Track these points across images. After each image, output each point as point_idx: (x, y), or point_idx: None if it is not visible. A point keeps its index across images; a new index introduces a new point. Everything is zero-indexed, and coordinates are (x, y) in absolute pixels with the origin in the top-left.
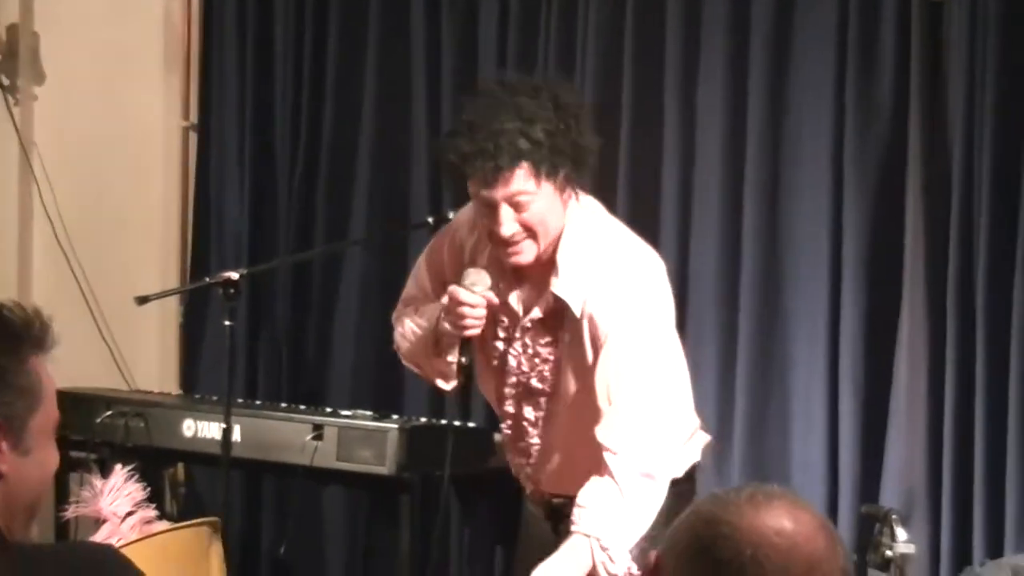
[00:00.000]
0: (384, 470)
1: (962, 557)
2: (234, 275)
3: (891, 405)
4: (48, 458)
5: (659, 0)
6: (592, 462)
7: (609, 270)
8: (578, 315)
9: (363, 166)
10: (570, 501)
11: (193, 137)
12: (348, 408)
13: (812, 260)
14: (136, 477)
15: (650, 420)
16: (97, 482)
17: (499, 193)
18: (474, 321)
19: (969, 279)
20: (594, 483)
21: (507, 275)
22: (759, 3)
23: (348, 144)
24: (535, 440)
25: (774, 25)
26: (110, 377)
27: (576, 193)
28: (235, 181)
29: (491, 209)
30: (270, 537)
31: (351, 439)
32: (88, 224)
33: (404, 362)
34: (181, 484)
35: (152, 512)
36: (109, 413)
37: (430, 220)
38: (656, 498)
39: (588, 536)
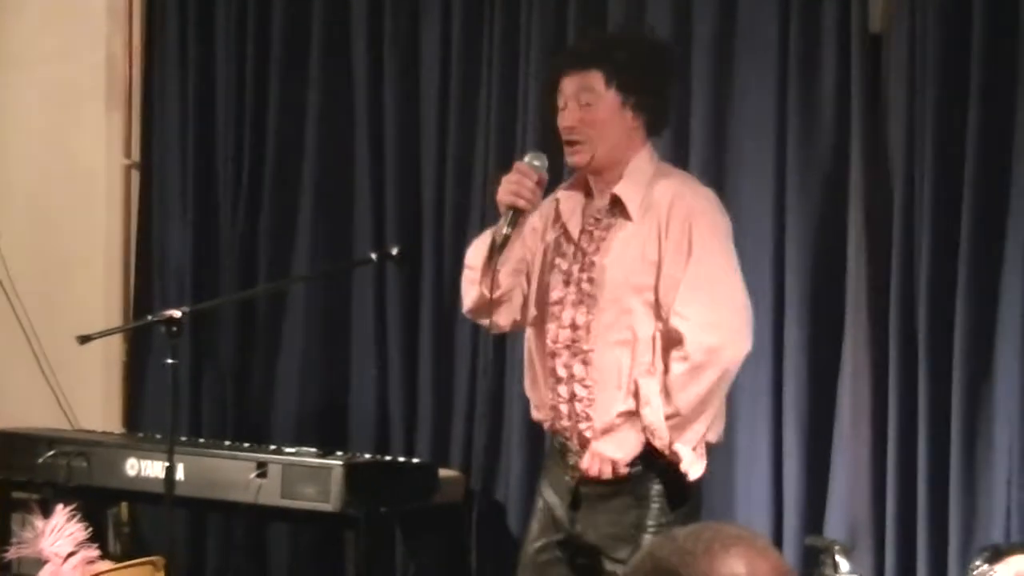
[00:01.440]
0: (328, 507)
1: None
2: (177, 313)
3: (835, 435)
4: None
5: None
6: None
7: (679, 182)
8: (636, 215)
9: (306, 201)
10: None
11: (135, 175)
12: (292, 445)
13: (754, 291)
14: (78, 517)
15: (724, 301)
16: (39, 522)
17: (571, 84)
18: (527, 192)
19: (911, 308)
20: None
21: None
22: (699, 34)
23: (291, 180)
24: (587, 346)
25: (715, 60)
26: (53, 416)
27: (646, 138)
28: (177, 218)
29: (564, 100)
30: (215, 575)
31: (295, 476)
32: (31, 262)
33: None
34: (124, 523)
35: (94, 552)
36: (51, 453)
37: (373, 256)
38: (710, 383)
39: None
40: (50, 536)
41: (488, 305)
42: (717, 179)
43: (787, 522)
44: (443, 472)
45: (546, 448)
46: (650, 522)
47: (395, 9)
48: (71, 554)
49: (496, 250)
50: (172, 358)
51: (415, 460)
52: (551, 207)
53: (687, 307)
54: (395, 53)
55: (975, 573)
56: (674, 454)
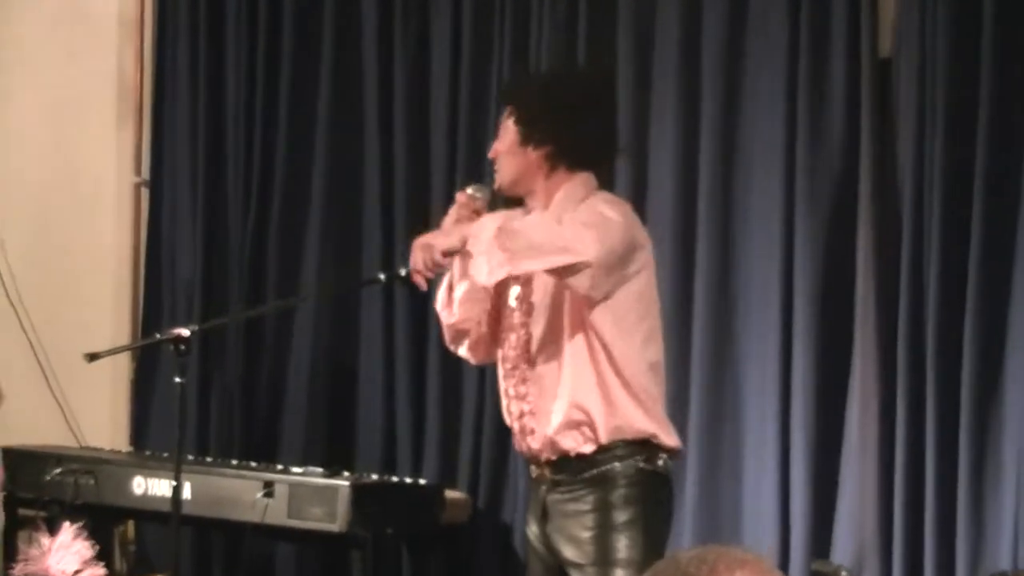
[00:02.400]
0: (335, 527)
1: None
2: (185, 332)
3: (842, 456)
4: None
5: (609, 39)
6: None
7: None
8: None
9: (315, 220)
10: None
11: (145, 193)
12: (299, 465)
13: (763, 309)
14: (85, 534)
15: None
16: (45, 540)
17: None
18: (430, 264)
19: (919, 324)
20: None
21: None
22: (708, 59)
23: (300, 198)
24: (530, 359)
25: (724, 85)
26: (60, 434)
27: (571, 169)
28: (187, 236)
29: None
30: None
31: (302, 496)
32: (39, 280)
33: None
34: (131, 541)
35: (101, 570)
36: (59, 470)
37: (381, 276)
38: (549, 247)
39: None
40: (56, 553)
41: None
42: (726, 201)
43: (794, 543)
44: (449, 493)
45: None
46: (620, 519)
47: (404, 24)
48: (77, 572)
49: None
50: (179, 377)
51: (422, 481)
52: None
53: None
54: (405, 64)
55: None
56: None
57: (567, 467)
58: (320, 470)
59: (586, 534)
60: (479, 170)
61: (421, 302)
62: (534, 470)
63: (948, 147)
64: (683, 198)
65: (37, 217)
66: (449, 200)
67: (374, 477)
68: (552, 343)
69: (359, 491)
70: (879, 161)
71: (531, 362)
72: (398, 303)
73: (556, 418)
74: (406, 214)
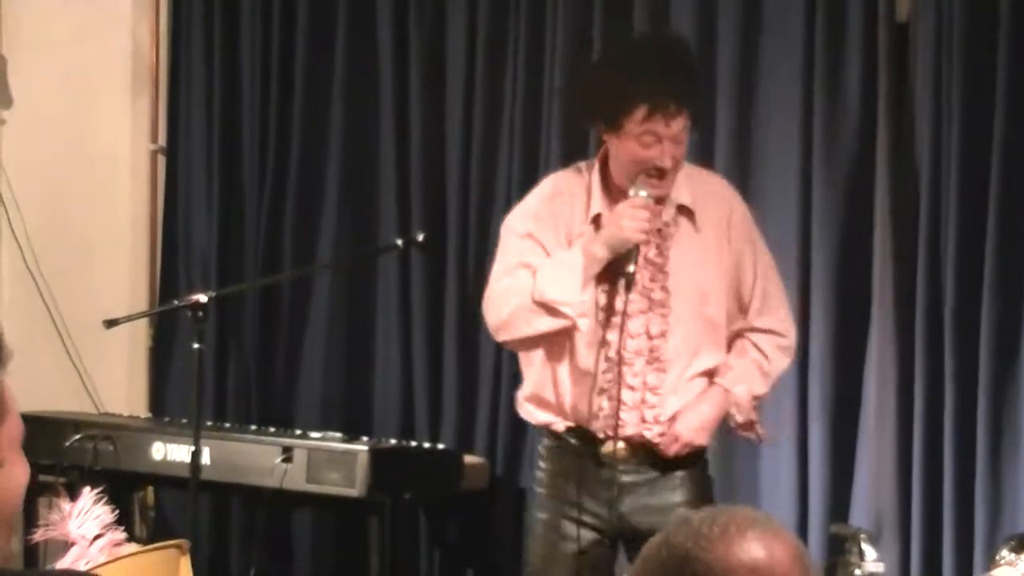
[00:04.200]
0: (354, 492)
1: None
2: (203, 298)
3: (860, 423)
4: (20, 469)
5: (625, 26)
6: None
7: (715, 181)
8: (701, 216)
9: (332, 186)
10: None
11: (161, 160)
12: (317, 430)
13: (781, 279)
14: (105, 500)
15: (786, 305)
16: (65, 505)
17: (676, 124)
18: (648, 224)
19: (937, 297)
20: (738, 359)
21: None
22: (724, 25)
23: (317, 165)
24: (665, 355)
25: (740, 50)
26: (79, 400)
27: None
28: (203, 203)
29: (659, 135)
30: (239, 560)
31: (320, 461)
32: (56, 248)
33: (514, 329)
34: (150, 507)
35: (121, 535)
36: (78, 436)
37: (399, 242)
38: (784, 366)
39: (726, 389)
40: (77, 519)
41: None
42: (743, 169)
43: (812, 510)
44: (468, 458)
45: (543, 455)
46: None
47: None
48: (98, 537)
49: (626, 289)
50: (198, 342)
51: (440, 446)
52: (575, 210)
53: (773, 300)
54: (421, 38)
55: (1002, 563)
56: (751, 425)
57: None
58: (338, 435)
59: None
60: (496, 135)
61: (437, 268)
62: (610, 452)
63: (966, 113)
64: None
65: (54, 185)
66: (465, 170)
67: (392, 442)
68: (693, 339)
69: (377, 456)
70: (896, 126)
71: (668, 356)
72: (414, 269)
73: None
74: (422, 181)
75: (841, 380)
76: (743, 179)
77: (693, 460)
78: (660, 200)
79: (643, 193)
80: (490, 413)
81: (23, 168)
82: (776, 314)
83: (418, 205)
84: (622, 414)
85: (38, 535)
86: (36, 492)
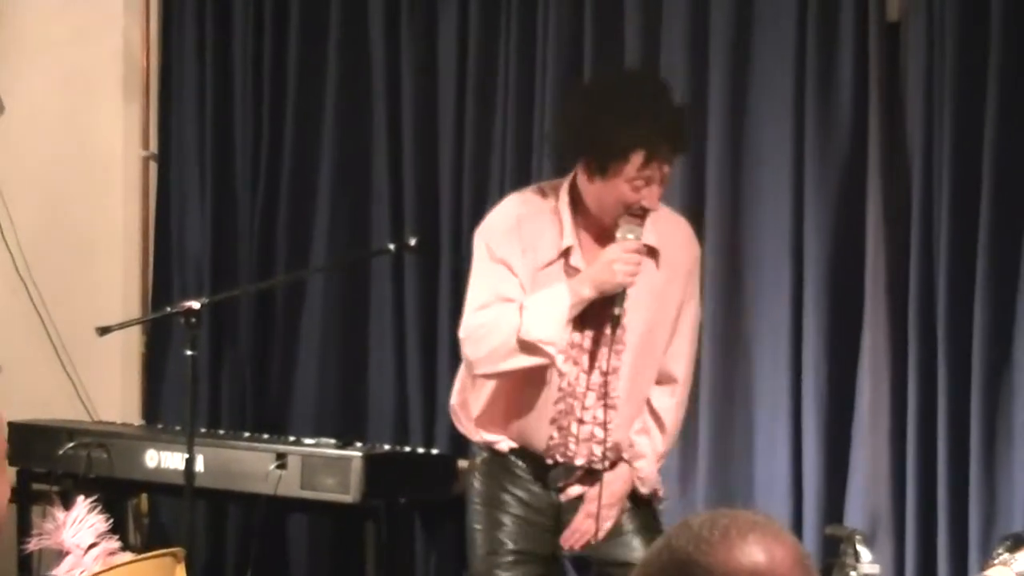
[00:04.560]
0: (348, 498)
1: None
2: (196, 304)
3: (854, 424)
4: (5, 485)
5: (617, 24)
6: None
7: (676, 222)
8: (665, 258)
9: (324, 192)
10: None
11: (153, 166)
12: (312, 436)
13: (774, 279)
14: (99, 508)
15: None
16: (59, 514)
17: (668, 167)
18: (638, 268)
19: (930, 297)
20: (640, 436)
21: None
22: (716, 25)
23: (309, 170)
24: (616, 389)
25: (732, 50)
26: (72, 408)
27: None
28: (196, 209)
29: (650, 175)
30: (234, 567)
31: (315, 467)
32: (48, 254)
33: (494, 365)
34: (144, 515)
35: (115, 543)
36: (71, 444)
37: (391, 246)
38: (680, 418)
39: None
40: (71, 527)
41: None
42: (736, 169)
43: (807, 511)
44: (462, 463)
45: (490, 473)
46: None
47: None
48: (92, 545)
49: (612, 330)
50: (191, 349)
51: (434, 451)
52: (543, 237)
53: (683, 345)
54: (413, 41)
55: (996, 561)
56: (656, 495)
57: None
58: (333, 441)
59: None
60: (488, 140)
61: (431, 272)
62: (562, 475)
63: (957, 113)
64: (691, 164)
65: (45, 192)
66: (458, 174)
67: (386, 448)
68: (643, 377)
69: (372, 462)
70: (888, 126)
71: (618, 392)
72: (408, 275)
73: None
74: (415, 186)
75: (834, 381)
76: (736, 178)
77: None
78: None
79: (631, 236)
80: None
81: (14, 175)
82: (683, 362)
83: (411, 210)
84: (571, 445)
85: (32, 544)
86: (29, 500)
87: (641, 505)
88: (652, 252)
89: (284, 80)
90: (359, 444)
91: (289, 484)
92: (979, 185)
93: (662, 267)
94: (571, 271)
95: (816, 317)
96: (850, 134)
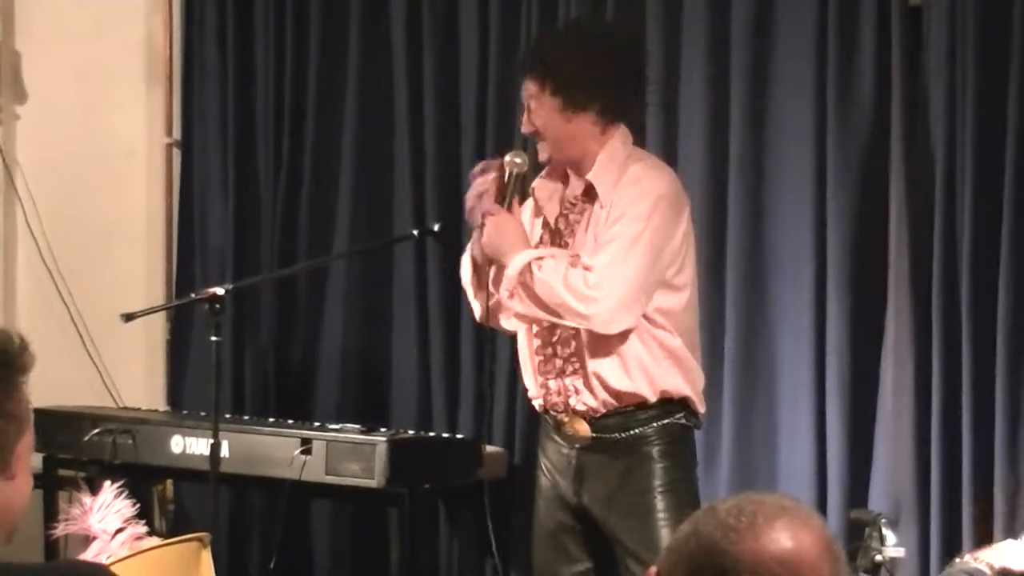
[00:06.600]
0: (373, 483)
1: (951, 559)
2: (219, 291)
3: (878, 408)
4: (28, 481)
5: (638, 10)
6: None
7: (645, 164)
8: (605, 198)
9: (346, 179)
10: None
11: (176, 153)
12: (336, 421)
13: (796, 266)
14: (124, 494)
15: (623, 263)
16: (86, 499)
17: (525, 89)
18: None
19: (953, 280)
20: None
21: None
22: (737, 10)
23: (331, 157)
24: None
25: (753, 35)
26: (97, 395)
27: (611, 126)
28: (218, 196)
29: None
30: (259, 552)
31: (339, 453)
32: (72, 242)
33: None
34: (169, 500)
35: (142, 528)
36: (97, 431)
37: (415, 232)
38: (563, 308)
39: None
40: (98, 513)
41: (489, 316)
42: (757, 154)
43: (831, 495)
44: (486, 448)
45: (541, 428)
46: (657, 482)
47: None
48: (119, 530)
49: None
50: (215, 335)
51: (458, 436)
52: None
53: (597, 257)
54: (435, 27)
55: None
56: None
57: (608, 424)
58: (357, 427)
59: (630, 498)
60: (510, 125)
61: (453, 259)
62: (566, 428)
63: (980, 96)
64: (714, 149)
65: (69, 181)
66: (480, 159)
67: (410, 433)
68: None
69: (396, 447)
70: (910, 109)
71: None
72: (430, 260)
73: (609, 378)
74: (437, 172)
75: (858, 365)
76: (758, 164)
77: (645, 440)
78: (560, 171)
79: (518, 160)
80: (507, 402)
81: (38, 163)
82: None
83: (433, 195)
84: (549, 382)
85: (59, 530)
86: (56, 486)
87: (667, 470)
88: (590, 192)
89: (306, 66)
90: (383, 429)
91: (314, 469)
92: (1002, 170)
93: (604, 205)
94: (536, 210)
95: (839, 302)
96: (872, 120)
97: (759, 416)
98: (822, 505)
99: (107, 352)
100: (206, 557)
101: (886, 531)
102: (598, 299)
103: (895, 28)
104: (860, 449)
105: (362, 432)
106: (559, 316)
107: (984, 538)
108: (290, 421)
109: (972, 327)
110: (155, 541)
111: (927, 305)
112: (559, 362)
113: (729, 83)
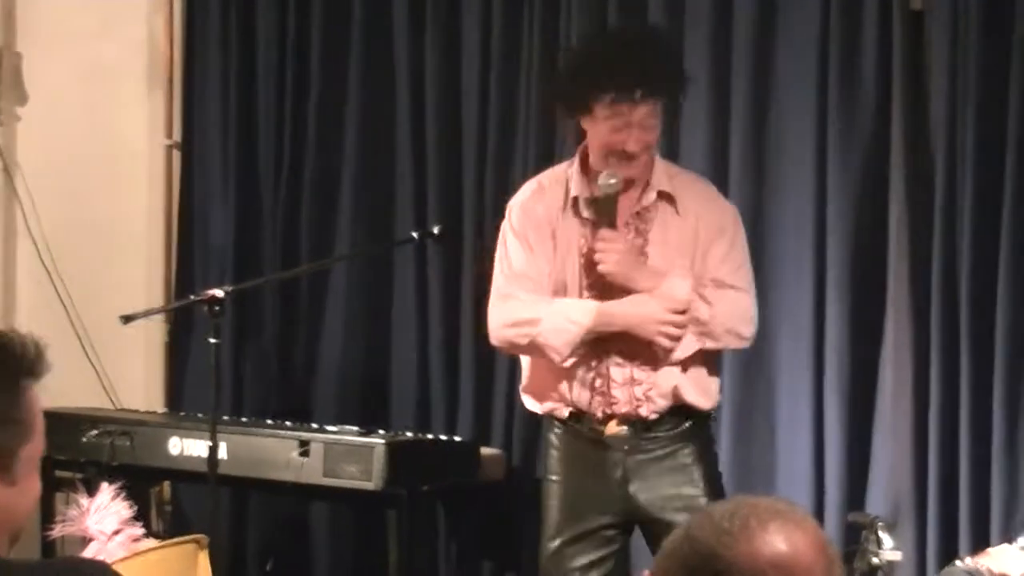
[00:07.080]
0: (371, 485)
1: (948, 563)
2: (219, 292)
3: (876, 411)
4: (34, 487)
5: (640, 12)
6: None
7: (693, 179)
8: (684, 206)
9: (347, 181)
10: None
11: (176, 155)
12: (334, 424)
13: (796, 266)
14: (122, 496)
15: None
16: (83, 501)
17: (641, 111)
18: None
19: (953, 282)
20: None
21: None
22: (739, 14)
23: (332, 159)
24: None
25: (755, 39)
26: (95, 396)
27: None
28: (219, 198)
29: (625, 120)
30: (257, 554)
31: (337, 455)
32: (72, 244)
33: (508, 349)
34: (167, 502)
35: (139, 530)
36: (95, 432)
37: (415, 235)
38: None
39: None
40: (95, 514)
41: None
42: (758, 157)
43: (829, 497)
44: (484, 450)
45: (553, 442)
46: (705, 477)
47: None
48: (116, 532)
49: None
50: (214, 337)
51: (457, 438)
52: (554, 202)
53: (733, 278)
54: (437, 28)
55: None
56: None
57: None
58: (355, 428)
59: (681, 492)
60: (512, 128)
61: (454, 260)
62: (612, 435)
63: (981, 101)
64: (715, 150)
65: (70, 182)
66: (481, 162)
67: (409, 435)
68: None
69: (395, 449)
70: (911, 114)
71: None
72: (431, 263)
73: (684, 390)
74: (438, 174)
75: (857, 368)
76: (759, 167)
77: (696, 432)
78: (630, 182)
79: (612, 180)
80: (506, 404)
81: (39, 165)
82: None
83: (434, 198)
84: (614, 391)
85: (56, 531)
86: (53, 487)
87: (701, 457)
88: (668, 198)
89: (307, 68)
90: (381, 431)
91: (312, 471)
92: (1002, 173)
93: (680, 210)
94: (583, 221)
95: (839, 304)
96: (873, 123)
97: (758, 417)
98: (820, 508)
99: (106, 354)
100: (203, 559)
101: (883, 534)
102: (755, 319)
103: (896, 32)
104: (858, 451)
105: (360, 434)
106: (716, 339)
107: (982, 542)
108: (288, 423)
109: (971, 329)
110: (152, 543)
111: (926, 309)
112: (628, 371)
113: (731, 85)
